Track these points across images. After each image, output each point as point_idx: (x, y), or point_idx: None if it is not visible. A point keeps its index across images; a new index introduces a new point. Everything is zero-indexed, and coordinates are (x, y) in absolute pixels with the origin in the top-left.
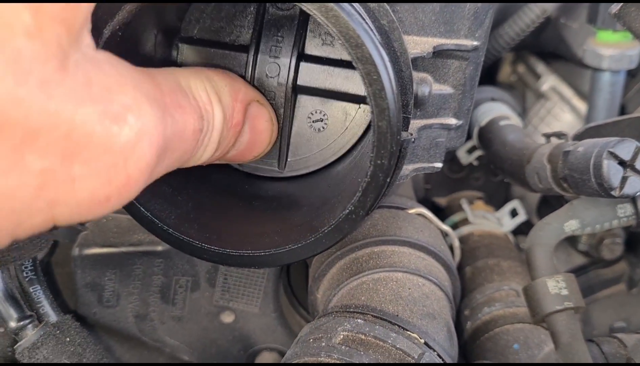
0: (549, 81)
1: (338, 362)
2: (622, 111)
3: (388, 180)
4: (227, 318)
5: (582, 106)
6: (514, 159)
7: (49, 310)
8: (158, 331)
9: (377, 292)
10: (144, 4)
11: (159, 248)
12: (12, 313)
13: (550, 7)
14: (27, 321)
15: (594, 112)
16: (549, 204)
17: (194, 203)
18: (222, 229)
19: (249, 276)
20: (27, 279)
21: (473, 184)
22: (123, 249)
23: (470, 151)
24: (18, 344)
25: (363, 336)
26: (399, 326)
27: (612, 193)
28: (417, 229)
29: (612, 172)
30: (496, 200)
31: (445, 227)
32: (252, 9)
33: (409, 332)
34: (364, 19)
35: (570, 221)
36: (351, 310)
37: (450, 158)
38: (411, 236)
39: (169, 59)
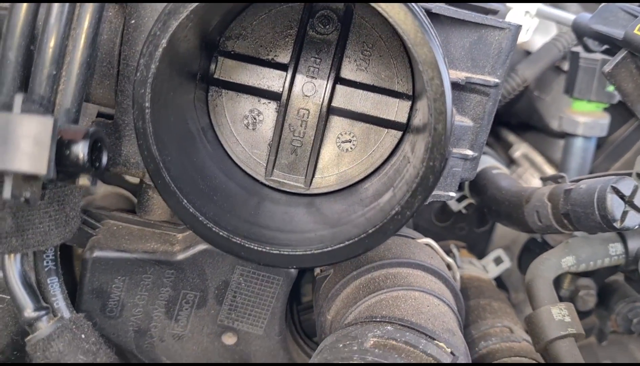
0: (521, 149)
1: (374, 362)
2: None
3: (435, 184)
4: (229, 339)
5: (552, 172)
6: (512, 201)
7: (63, 305)
8: (156, 350)
9: (398, 307)
10: (195, 15)
11: (174, 258)
12: (29, 302)
13: (530, 76)
14: (43, 312)
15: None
16: (530, 252)
17: (229, 202)
18: (259, 228)
19: (258, 294)
20: (45, 269)
21: (457, 233)
22: (136, 255)
23: (461, 199)
24: (32, 335)
25: (394, 342)
26: (426, 335)
27: (615, 224)
28: (428, 256)
29: (615, 205)
30: (477, 250)
31: (449, 259)
32: (292, 30)
33: (436, 341)
34: (429, 26)
35: (567, 257)
36: (377, 319)
37: (439, 207)
38: (424, 260)
39: (207, 72)
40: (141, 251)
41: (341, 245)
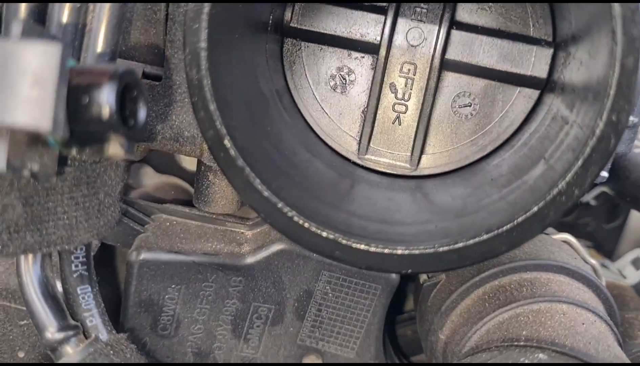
0: None
1: None
2: None
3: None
4: (312, 363)
5: None
6: None
7: (98, 323)
8: None
9: (543, 325)
10: None
11: (242, 262)
12: (51, 319)
13: None
14: (71, 332)
15: None
16: None
17: (314, 185)
18: (358, 218)
19: (350, 307)
20: (75, 275)
21: (581, 230)
22: (194, 258)
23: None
24: (55, 363)
25: None
26: None
27: None
28: (570, 256)
29: None
30: (605, 250)
31: (592, 261)
32: None
33: None
34: None
35: None
36: (520, 343)
37: None
38: (568, 262)
39: (281, 20)
40: (201, 253)
41: (477, 240)
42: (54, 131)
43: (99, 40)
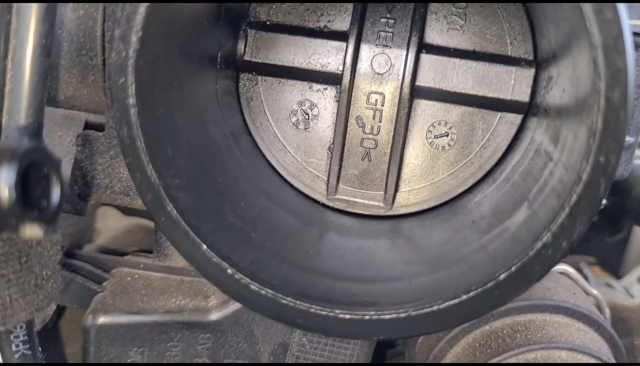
0: None
1: None
2: None
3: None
4: None
5: None
6: None
7: None
8: None
9: None
10: None
11: (208, 318)
12: None
13: None
14: None
15: None
16: None
17: (275, 240)
18: (322, 277)
19: (330, 358)
20: (17, 356)
21: (583, 244)
22: (156, 317)
23: None
24: None
25: None
26: None
27: None
28: (568, 290)
29: None
30: (610, 266)
31: (594, 291)
32: None
33: None
34: None
35: None
36: None
37: None
38: (566, 300)
39: (233, 53)
40: (163, 311)
41: (455, 301)
42: None
43: (19, 105)
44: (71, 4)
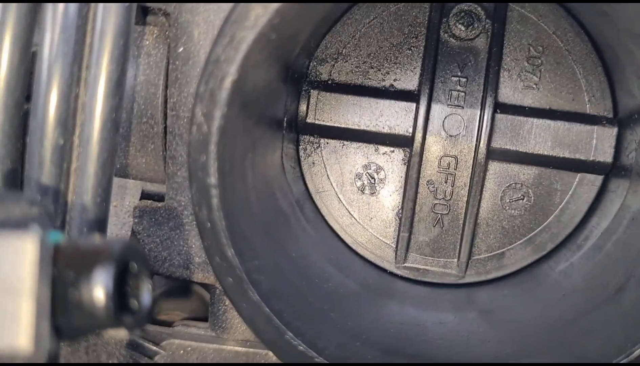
0: None
1: None
2: None
3: None
4: None
5: None
6: None
7: None
8: None
9: None
10: (277, 23)
11: None
12: None
13: None
14: None
15: None
16: None
17: (354, 320)
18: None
19: None
20: None
21: None
22: None
23: None
24: None
25: None
26: None
27: None
28: None
29: None
30: None
31: None
32: (419, 39)
33: None
34: None
35: None
36: None
37: None
38: None
39: (295, 116)
40: None
41: None
42: (36, 350)
43: (88, 184)
44: (133, 72)
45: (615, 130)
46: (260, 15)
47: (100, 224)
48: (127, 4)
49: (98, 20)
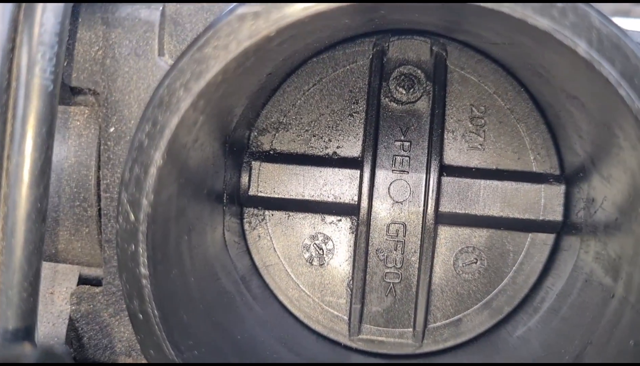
0: None
1: None
2: None
3: None
4: None
5: None
6: None
7: None
8: None
9: None
10: (208, 99)
11: None
12: None
13: None
14: None
15: None
16: None
17: None
18: None
19: None
20: None
21: None
22: None
23: None
24: None
25: None
26: None
27: None
28: None
29: None
30: None
31: None
32: (359, 104)
33: None
34: None
35: None
36: None
37: None
38: None
39: (237, 189)
40: None
41: None
42: None
43: (12, 275)
44: (64, 154)
45: (562, 188)
46: (182, 99)
47: (27, 320)
48: (50, 87)
49: (19, 108)
